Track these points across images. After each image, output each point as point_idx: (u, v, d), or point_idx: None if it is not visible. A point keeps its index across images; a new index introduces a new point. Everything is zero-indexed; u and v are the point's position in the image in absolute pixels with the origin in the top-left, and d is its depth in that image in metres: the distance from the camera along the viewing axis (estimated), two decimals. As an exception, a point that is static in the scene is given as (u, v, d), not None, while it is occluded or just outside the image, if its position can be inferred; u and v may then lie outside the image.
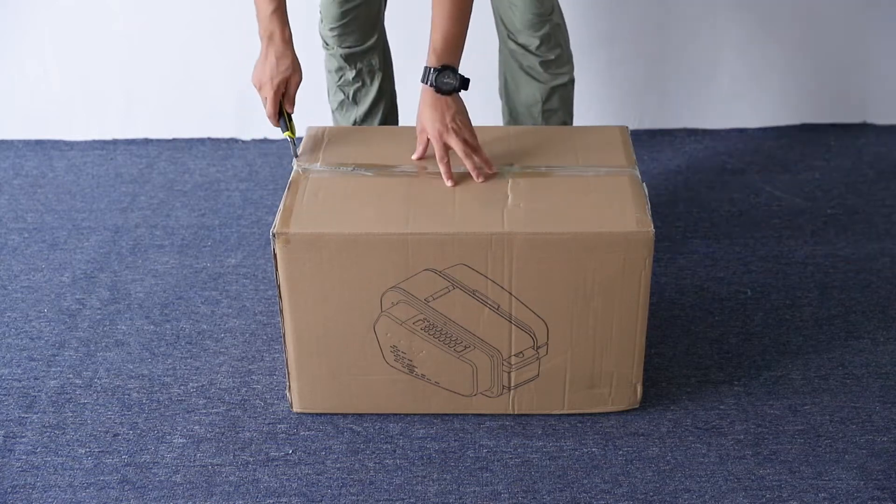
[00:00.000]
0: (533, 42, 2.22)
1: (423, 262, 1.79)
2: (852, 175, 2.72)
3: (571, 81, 2.31)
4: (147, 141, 2.93)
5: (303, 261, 1.79)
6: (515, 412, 1.94)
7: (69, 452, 1.89)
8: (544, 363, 1.88)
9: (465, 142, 1.93)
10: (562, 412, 1.94)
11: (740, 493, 1.78)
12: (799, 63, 2.91)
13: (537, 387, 1.91)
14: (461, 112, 1.95)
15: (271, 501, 1.79)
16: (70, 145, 2.92)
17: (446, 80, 1.92)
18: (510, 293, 1.81)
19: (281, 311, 1.84)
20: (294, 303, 1.83)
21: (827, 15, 2.86)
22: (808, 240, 2.45)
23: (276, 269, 1.81)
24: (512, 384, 1.91)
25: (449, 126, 1.92)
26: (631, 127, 2.12)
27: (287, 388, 1.94)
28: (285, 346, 1.88)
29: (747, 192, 2.65)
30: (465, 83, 1.95)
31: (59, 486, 1.82)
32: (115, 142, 2.93)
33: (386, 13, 2.35)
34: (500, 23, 2.27)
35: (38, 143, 2.93)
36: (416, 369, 1.90)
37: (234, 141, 2.93)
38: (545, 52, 2.25)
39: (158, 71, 2.89)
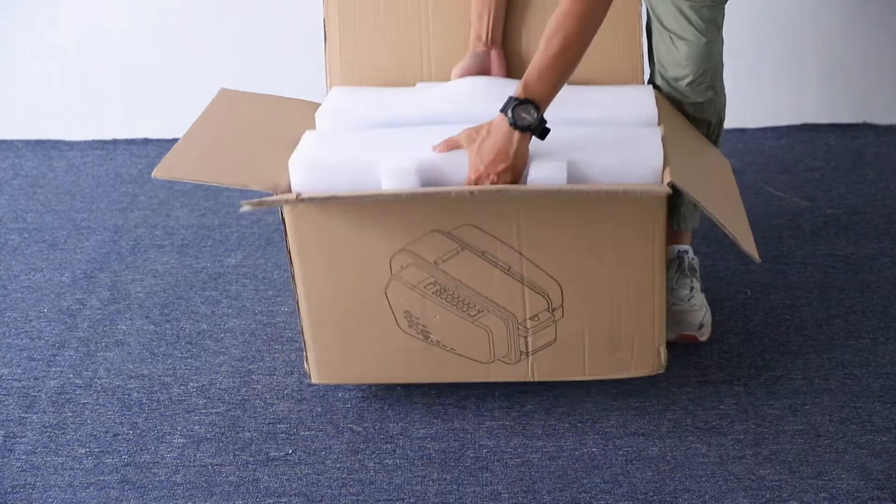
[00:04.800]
0: None
1: (429, 223, 1.75)
2: (852, 175, 2.72)
3: None
4: (147, 141, 2.93)
5: (310, 224, 1.76)
6: (535, 379, 1.89)
7: (69, 452, 1.89)
8: (561, 326, 1.83)
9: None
10: (584, 378, 1.89)
11: (740, 493, 1.78)
12: (799, 63, 2.91)
13: (556, 351, 1.86)
14: (516, 165, 1.70)
15: (271, 501, 1.78)
16: (70, 145, 2.92)
17: (524, 114, 1.68)
18: (520, 253, 1.76)
19: (293, 276, 1.82)
20: (305, 269, 1.80)
21: (827, 15, 2.85)
22: (808, 240, 2.45)
23: (286, 235, 1.78)
24: (529, 349, 1.86)
25: (491, 174, 1.70)
26: (631, 127, 2.11)
27: (304, 359, 1.92)
28: (300, 317, 1.85)
29: (747, 192, 2.64)
30: (543, 129, 1.70)
31: (59, 486, 1.82)
32: (114, 142, 2.93)
33: None
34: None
35: (38, 143, 2.92)
36: (431, 335, 1.86)
37: (234, 141, 2.92)
38: None
39: (158, 71, 2.89)
